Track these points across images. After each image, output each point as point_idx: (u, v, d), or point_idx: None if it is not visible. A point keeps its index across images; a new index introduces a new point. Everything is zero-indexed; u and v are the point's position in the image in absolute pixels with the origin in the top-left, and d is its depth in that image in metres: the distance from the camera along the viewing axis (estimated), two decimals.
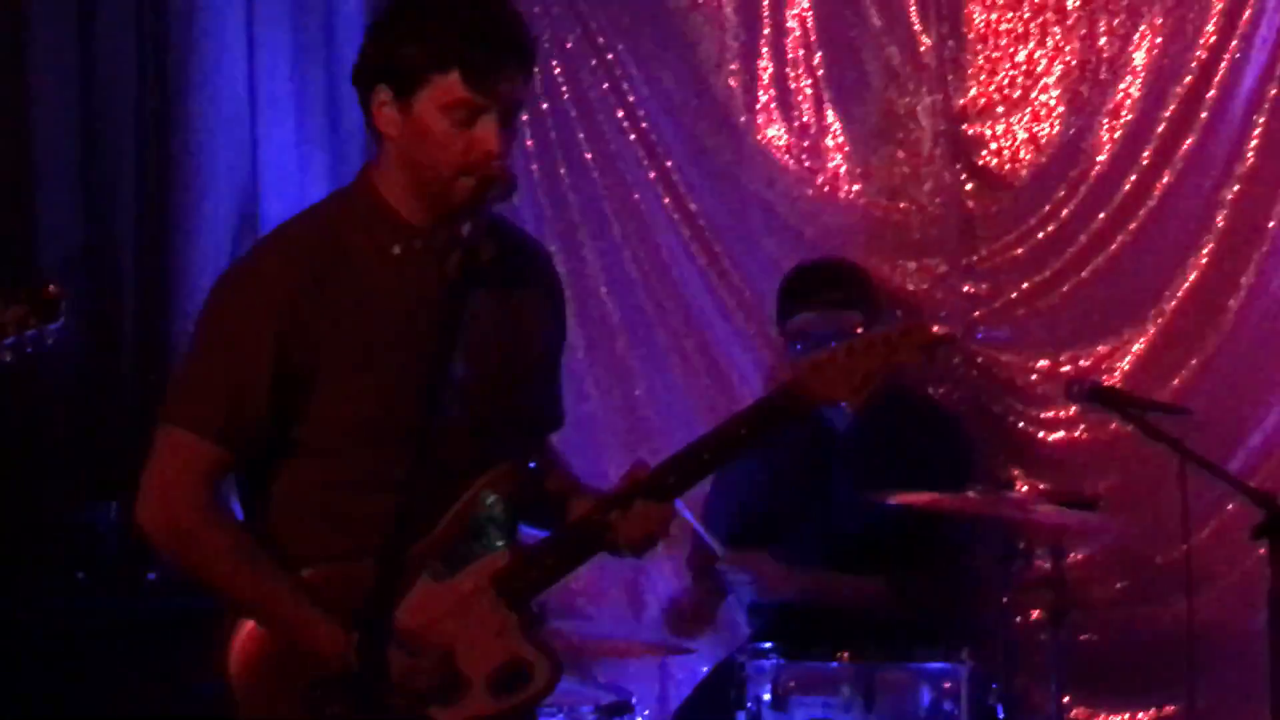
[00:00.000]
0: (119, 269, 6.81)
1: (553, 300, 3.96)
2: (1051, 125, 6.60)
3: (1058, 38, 6.58)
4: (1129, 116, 6.52)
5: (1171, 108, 6.48)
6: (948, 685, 5.39)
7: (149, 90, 6.84)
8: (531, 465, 3.88)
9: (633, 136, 6.81)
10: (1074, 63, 6.58)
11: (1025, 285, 6.59)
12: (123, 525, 6.40)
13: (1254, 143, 6.41)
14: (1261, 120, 6.40)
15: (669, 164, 6.79)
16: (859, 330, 5.57)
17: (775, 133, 6.75)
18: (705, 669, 6.16)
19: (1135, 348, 6.49)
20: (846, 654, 5.43)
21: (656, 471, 3.77)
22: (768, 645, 5.54)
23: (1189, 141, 6.46)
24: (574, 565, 3.82)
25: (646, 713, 6.33)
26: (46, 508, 6.48)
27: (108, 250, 6.79)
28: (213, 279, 6.61)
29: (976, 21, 6.63)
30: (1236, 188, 6.42)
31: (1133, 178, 6.51)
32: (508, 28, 3.65)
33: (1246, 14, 6.40)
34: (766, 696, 5.42)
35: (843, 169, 6.71)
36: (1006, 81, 6.64)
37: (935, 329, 3.85)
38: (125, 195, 6.81)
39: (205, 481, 3.68)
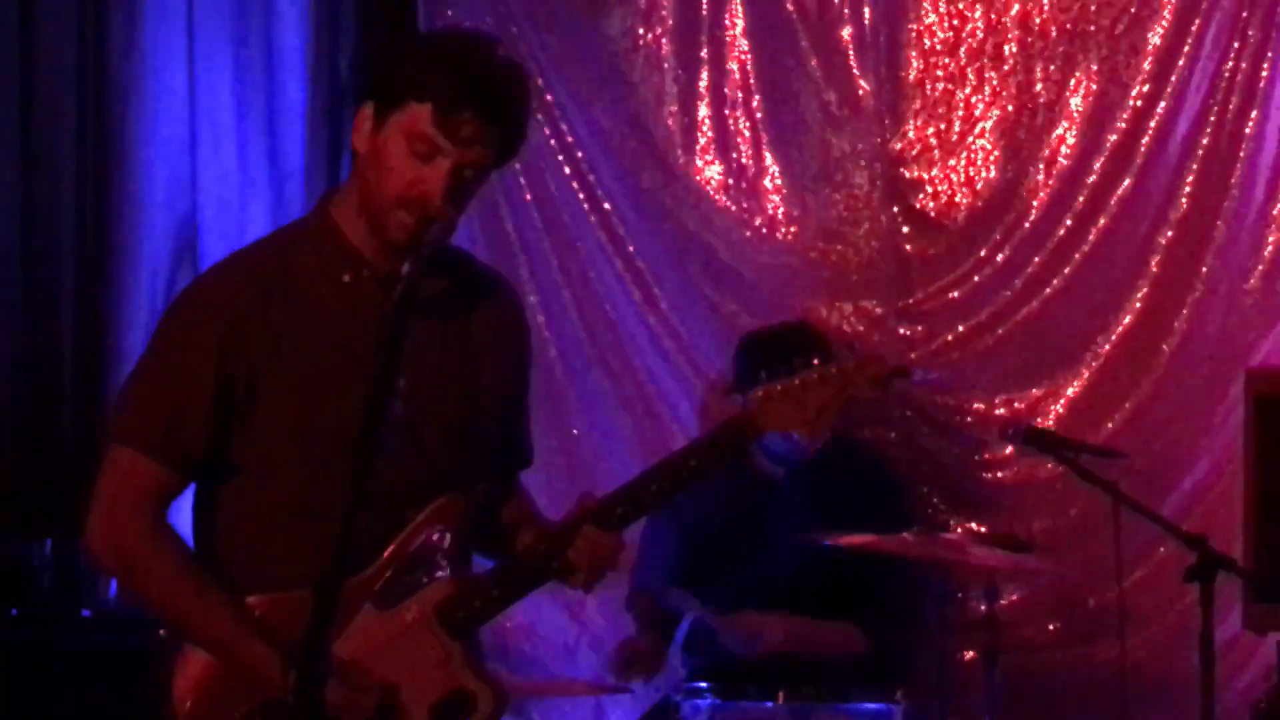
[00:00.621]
0: (57, 303, 6.80)
1: (513, 339, 3.92)
2: (987, 170, 6.63)
3: (994, 83, 6.61)
4: (1064, 162, 6.56)
5: (1106, 154, 6.52)
6: None
7: (89, 121, 6.84)
8: (485, 497, 3.85)
9: (571, 175, 6.80)
10: (1010, 108, 6.61)
11: (961, 328, 6.61)
12: (57, 561, 6.39)
13: (1188, 188, 6.45)
14: (1195, 166, 6.45)
15: (607, 204, 6.78)
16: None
17: (713, 174, 6.76)
18: (641, 709, 6.12)
19: (1070, 391, 6.52)
20: (782, 694, 5.44)
21: (605, 502, 3.76)
22: (703, 685, 5.55)
23: (1124, 186, 6.51)
24: (518, 595, 3.79)
25: None
26: None
27: (45, 283, 6.78)
28: (151, 309, 6.73)
29: (914, 66, 6.66)
30: (1170, 233, 6.47)
31: (1068, 222, 6.54)
32: (499, 83, 3.64)
33: (1180, 62, 6.45)
34: None
35: (780, 211, 6.72)
36: (943, 126, 6.66)
37: (889, 364, 3.87)
38: (64, 226, 6.81)
39: (149, 499, 3.67)
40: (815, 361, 3.82)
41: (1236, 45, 6.42)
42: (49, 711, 5.96)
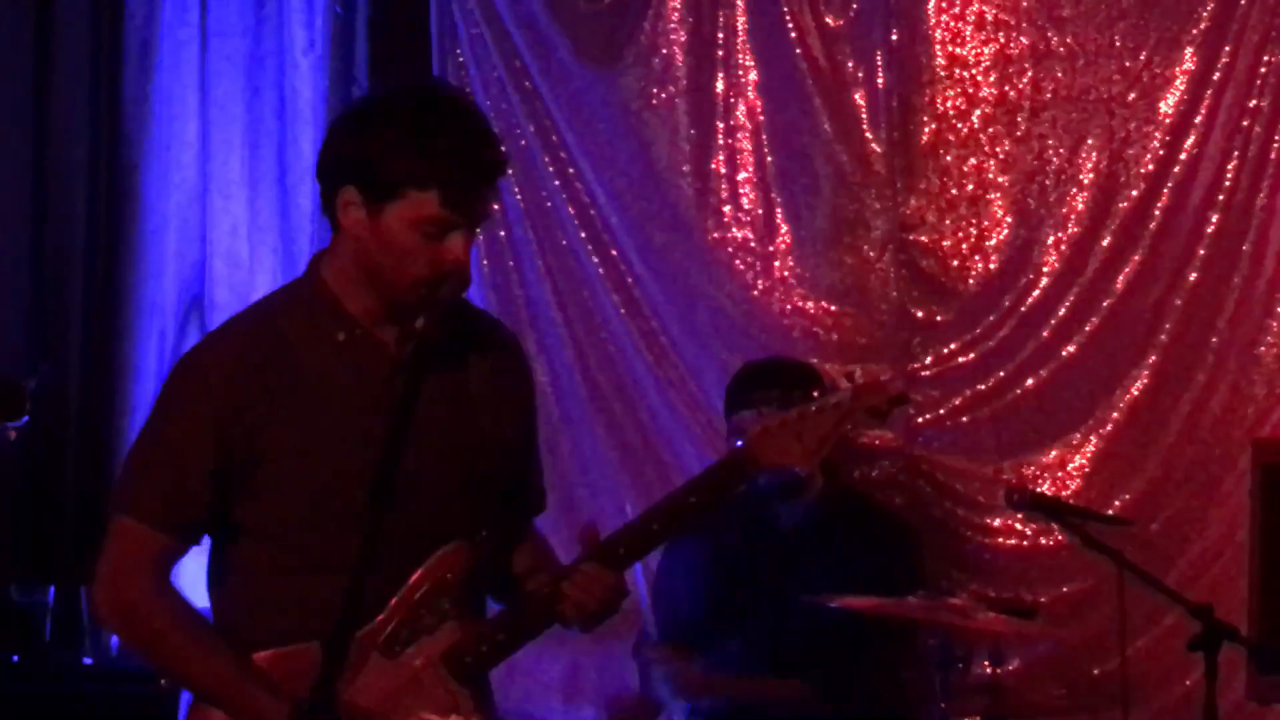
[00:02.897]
0: (64, 355, 6.83)
1: (516, 386, 3.93)
2: (998, 236, 6.64)
3: (1006, 148, 6.64)
4: (1075, 230, 6.58)
5: (1117, 222, 6.54)
6: None
7: (100, 169, 6.88)
8: (492, 544, 3.86)
9: (584, 234, 6.83)
10: (1022, 173, 6.62)
11: (969, 393, 6.62)
12: (59, 610, 6.40)
13: (1199, 259, 6.47)
14: (1206, 236, 6.46)
15: (620, 262, 6.81)
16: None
17: (724, 233, 6.78)
18: None
19: (1079, 459, 6.52)
20: None
21: (607, 541, 3.77)
22: None
23: (1135, 256, 6.52)
24: (525, 639, 3.81)
25: None
26: None
27: (55, 339, 6.82)
28: (159, 362, 6.75)
29: (926, 130, 6.69)
30: (1180, 303, 6.48)
31: (1078, 290, 6.56)
32: (487, 150, 3.66)
33: (1192, 132, 6.48)
34: None
35: (790, 272, 6.74)
36: (954, 191, 6.68)
37: (889, 390, 3.88)
38: (74, 272, 6.85)
39: (152, 566, 3.71)
40: (815, 394, 3.84)
41: (1248, 117, 6.44)
42: None
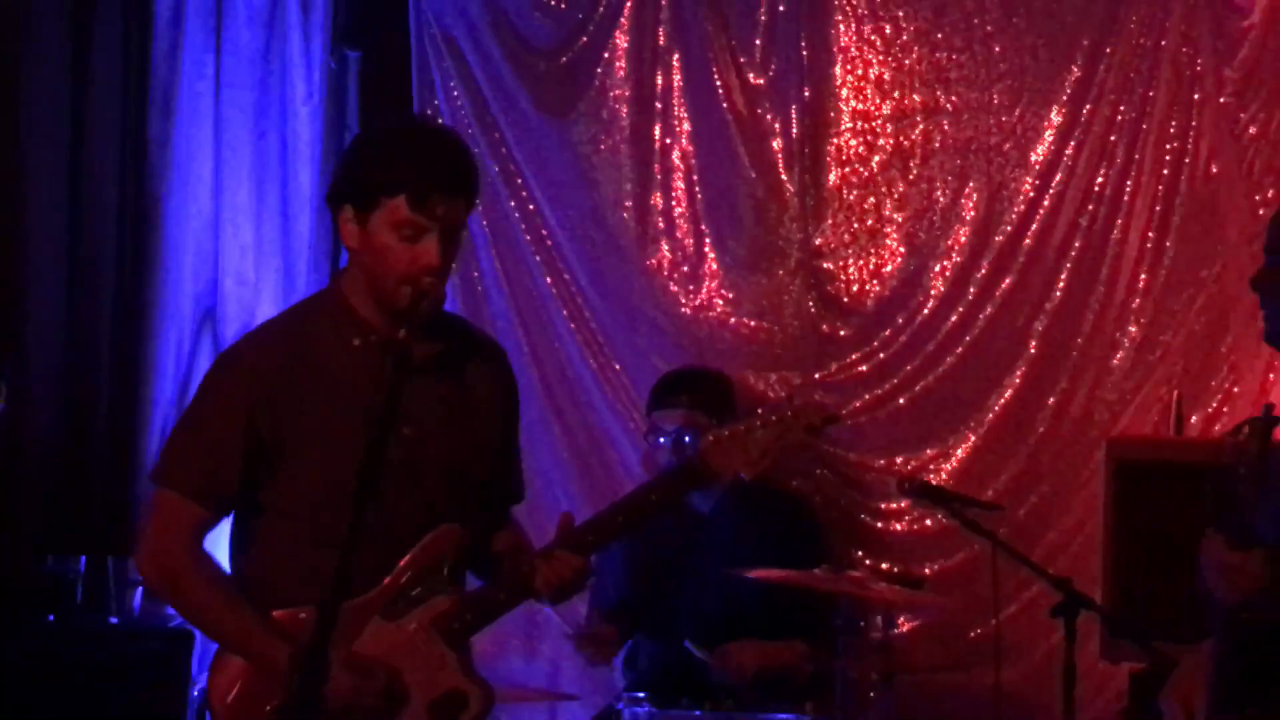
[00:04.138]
0: (96, 355, 6.79)
1: (502, 393, 3.99)
2: (893, 264, 6.64)
3: (900, 190, 6.63)
4: (958, 259, 6.57)
5: (993, 253, 6.53)
6: None
7: (128, 202, 6.85)
8: (478, 528, 3.90)
9: (539, 259, 6.81)
10: (913, 211, 6.62)
11: (867, 396, 6.61)
12: (89, 576, 6.39)
13: (1061, 284, 6.47)
14: (1068, 265, 6.46)
15: (569, 282, 6.80)
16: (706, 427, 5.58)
17: (661, 259, 6.78)
18: (587, 715, 6.15)
19: (959, 453, 6.52)
20: (708, 705, 5.45)
21: (578, 530, 3.82)
22: (641, 695, 5.52)
23: (1008, 281, 6.53)
24: (504, 610, 3.85)
25: None
26: (23, 561, 6.47)
27: (87, 337, 6.78)
28: (176, 363, 6.77)
29: (833, 174, 6.67)
30: (1046, 321, 6.48)
31: (959, 310, 6.56)
32: (450, 161, 3.70)
33: (1058, 176, 6.48)
34: None
35: (717, 293, 6.74)
36: (856, 225, 6.67)
37: (823, 411, 3.92)
38: (105, 290, 6.82)
39: (188, 533, 3.75)
40: (759, 411, 3.89)
41: (1105, 164, 6.44)
42: (79, 704, 5.98)
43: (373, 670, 3.69)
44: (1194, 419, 6.25)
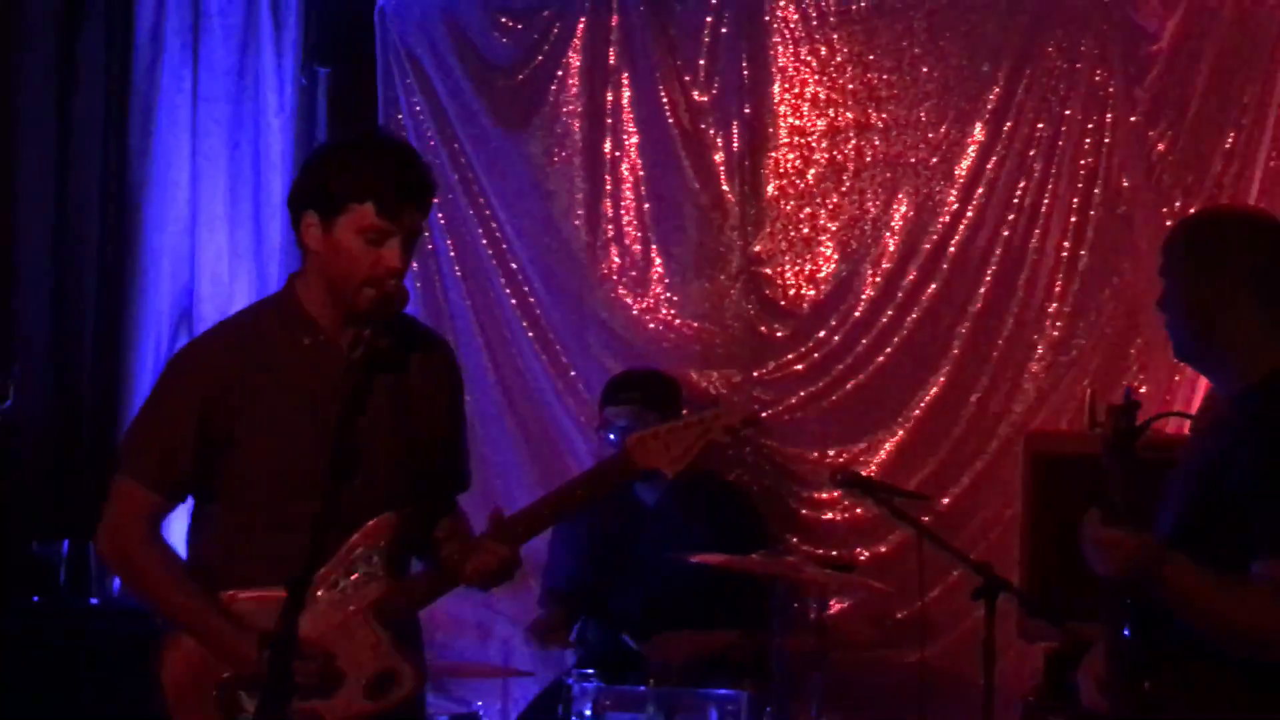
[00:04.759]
0: (80, 351, 6.76)
1: (449, 387, 3.97)
2: (827, 269, 6.64)
3: (834, 201, 6.62)
4: (887, 265, 6.57)
5: (920, 260, 6.54)
6: (731, 708, 5.41)
7: (110, 207, 6.83)
8: (421, 514, 3.88)
9: (496, 264, 6.79)
10: (846, 221, 6.61)
11: (802, 394, 6.61)
12: (71, 559, 6.36)
13: (984, 289, 6.48)
14: (990, 272, 6.47)
15: (524, 286, 6.78)
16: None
17: (610, 265, 6.77)
18: (539, 688, 6.14)
19: (888, 446, 6.52)
20: (652, 680, 5.45)
21: (508, 520, 3.79)
22: (590, 671, 5.54)
23: (933, 286, 6.53)
24: (437, 594, 3.84)
25: None
26: (9, 543, 6.44)
27: (72, 335, 6.75)
28: (155, 359, 6.74)
29: (771, 185, 6.67)
30: (969, 324, 6.49)
31: (889, 313, 6.56)
32: (414, 173, 3.71)
33: (980, 189, 6.48)
34: (588, 712, 5.42)
35: (663, 296, 6.73)
36: (793, 234, 6.67)
37: (742, 413, 3.91)
38: (88, 289, 6.79)
39: (145, 519, 3.74)
40: (684, 411, 3.88)
41: (1024, 178, 6.45)
42: (63, 679, 5.95)
43: (311, 652, 3.65)
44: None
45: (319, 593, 3.71)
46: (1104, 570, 3.52)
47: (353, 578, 3.75)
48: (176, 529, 3.88)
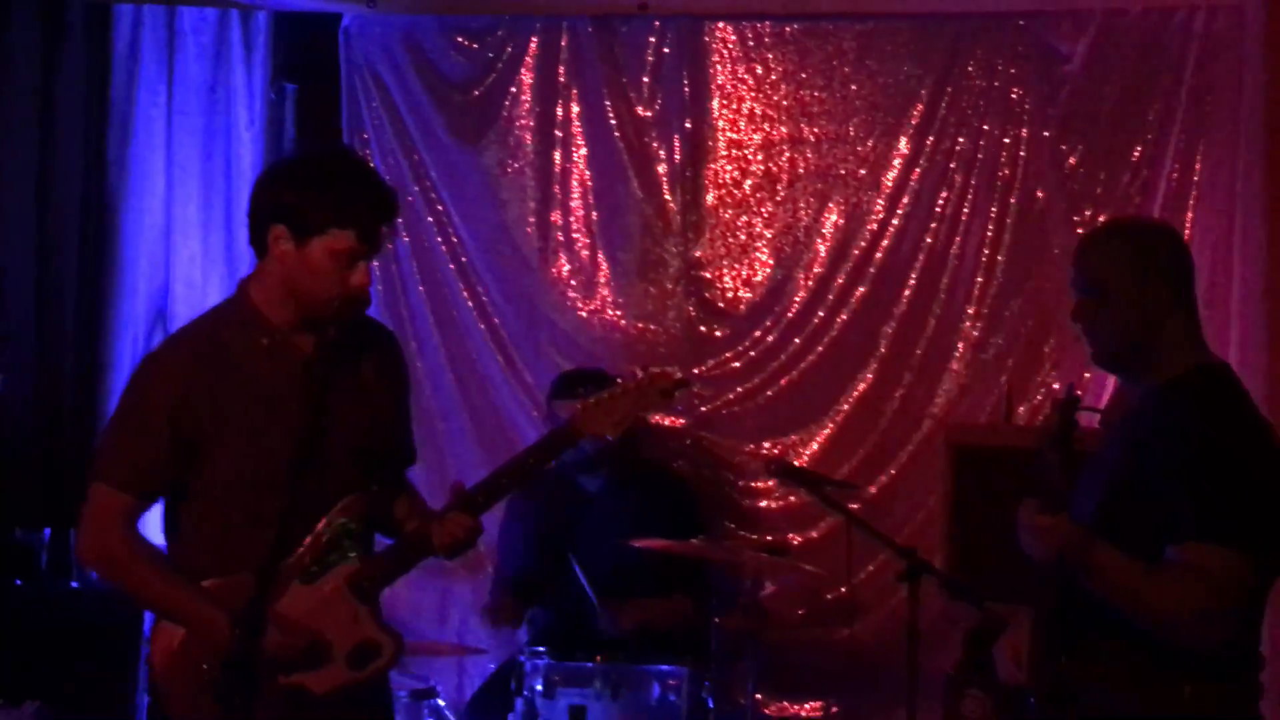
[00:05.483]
0: (61, 351, 6.73)
1: (395, 373, 3.94)
2: (763, 274, 6.63)
3: (769, 209, 6.63)
4: (819, 270, 6.58)
5: (849, 265, 6.54)
6: (673, 682, 5.42)
7: (90, 214, 6.79)
8: (382, 493, 3.86)
9: (454, 268, 6.74)
10: (781, 228, 6.62)
11: (740, 389, 6.61)
12: (53, 546, 6.31)
13: (908, 293, 6.49)
14: (914, 276, 6.49)
15: (480, 289, 6.73)
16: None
17: (560, 270, 6.73)
18: (493, 666, 6.12)
19: (818, 439, 6.53)
20: (600, 657, 5.44)
21: (469, 492, 3.79)
22: (541, 649, 5.52)
23: (861, 290, 6.55)
24: (408, 567, 3.82)
25: (444, 701, 6.27)
26: None
27: (53, 335, 6.71)
28: (132, 358, 6.68)
29: (711, 195, 6.66)
30: (894, 325, 6.50)
31: (820, 314, 6.56)
32: (387, 198, 3.67)
33: (905, 199, 6.50)
34: (539, 687, 5.41)
35: (609, 299, 6.70)
36: (731, 240, 6.66)
37: (673, 377, 3.89)
38: (68, 292, 6.74)
39: (122, 521, 3.68)
40: (618, 381, 3.87)
41: (946, 188, 6.48)
42: (44, 659, 5.89)
43: (296, 629, 3.62)
44: (1021, 409, 6.34)
45: (294, 575, 3.68)
46: (1038, 555, 3.52)
47: (327, 558, 3.72)
48: (150, 529, 3.82)
